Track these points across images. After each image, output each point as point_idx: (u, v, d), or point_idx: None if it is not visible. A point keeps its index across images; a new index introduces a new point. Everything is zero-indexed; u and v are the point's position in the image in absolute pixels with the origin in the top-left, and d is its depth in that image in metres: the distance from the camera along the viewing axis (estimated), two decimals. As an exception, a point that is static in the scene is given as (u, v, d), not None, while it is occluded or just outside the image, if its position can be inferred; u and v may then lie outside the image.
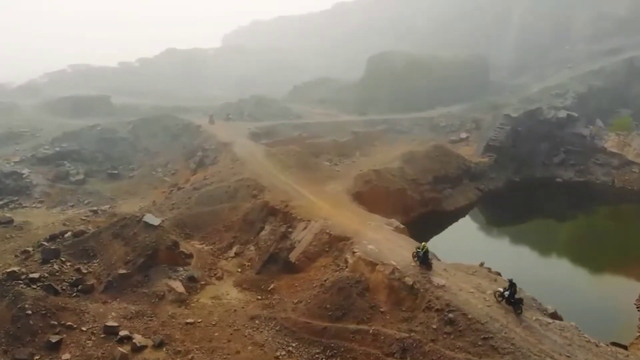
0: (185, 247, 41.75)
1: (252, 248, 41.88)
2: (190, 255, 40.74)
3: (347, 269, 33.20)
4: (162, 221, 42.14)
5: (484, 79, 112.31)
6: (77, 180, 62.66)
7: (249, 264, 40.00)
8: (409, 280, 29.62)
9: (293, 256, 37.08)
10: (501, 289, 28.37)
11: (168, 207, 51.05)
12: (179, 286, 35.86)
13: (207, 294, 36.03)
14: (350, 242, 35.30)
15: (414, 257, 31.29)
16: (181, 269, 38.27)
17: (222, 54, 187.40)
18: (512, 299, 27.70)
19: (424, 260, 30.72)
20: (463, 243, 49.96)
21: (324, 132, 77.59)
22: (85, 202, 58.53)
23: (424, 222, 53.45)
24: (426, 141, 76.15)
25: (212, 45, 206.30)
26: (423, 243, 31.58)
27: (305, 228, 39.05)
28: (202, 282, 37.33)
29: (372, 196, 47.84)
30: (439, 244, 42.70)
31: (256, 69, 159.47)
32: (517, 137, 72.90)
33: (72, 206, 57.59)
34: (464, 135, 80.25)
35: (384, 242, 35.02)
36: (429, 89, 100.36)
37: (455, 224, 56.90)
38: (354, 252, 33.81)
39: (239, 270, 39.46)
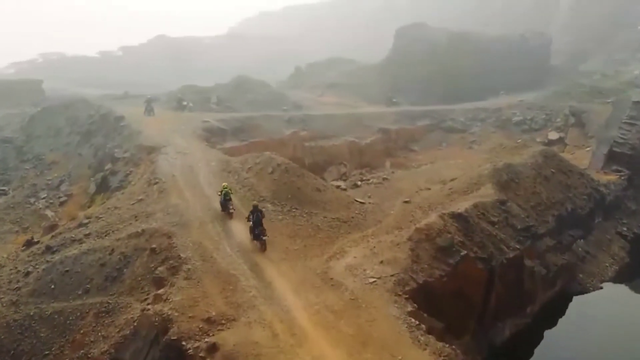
0: None
1: None
2: None
3: None
4: None
5: (545, 61, 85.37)
6: None
7: None
8: None
9: None
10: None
11: (-23, 297, 22.48)
12: None
13: None
14: None
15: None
16: None
17: (221, 43, 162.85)
18: (256, 230, 20.82)
19: (224, 205, 23.46)
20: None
21: (335, 130, 48.69)
22: None
23: (544, 320, 24.71)
24: (502, 144, 47.30)
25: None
26: (224, 184, 24.30)
27: None
28: None
29: (455, 288, 18.59)
30: None
31: (258, 59, 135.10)
32: (656, 138, 43.12)
33: None
34: (554, 135, 50.63)
35: None
36: (481, 71, 72.93)
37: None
38: None
39: None
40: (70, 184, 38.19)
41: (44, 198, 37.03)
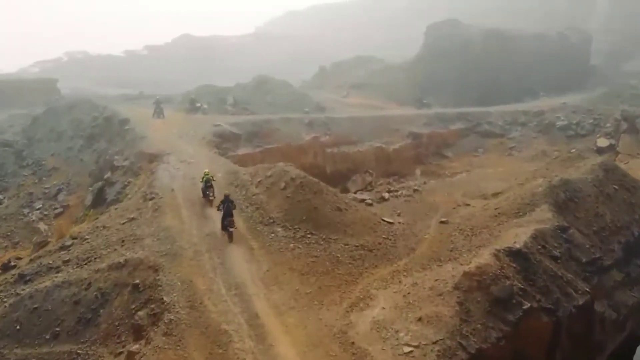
0: None
1: None
2: None
3: None
4: None
5: (586, 61, 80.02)
6: None
7: None
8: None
9: None
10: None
11: None
12: None
13: None
14: None
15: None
16: None
17: (246, 42, 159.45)
18: (225, 221, 20.49)
19: (204, 192, 23.67)
20: None
21: (360, 134, 44.63)
22: None
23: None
24: (545, 151, 42.63)
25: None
26: (205, 170, 24.41)
27: None
28: None
29: (514, 351, 14.35)
30: None
31: (283, 58, 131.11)
32: None
33: None
34: (603, 142, 45.34)
35: None
36: (518, 71, 68.80)
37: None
38: None
39: None
40: (69, 193, 34.89)
41: (38, 209, 33.75)
